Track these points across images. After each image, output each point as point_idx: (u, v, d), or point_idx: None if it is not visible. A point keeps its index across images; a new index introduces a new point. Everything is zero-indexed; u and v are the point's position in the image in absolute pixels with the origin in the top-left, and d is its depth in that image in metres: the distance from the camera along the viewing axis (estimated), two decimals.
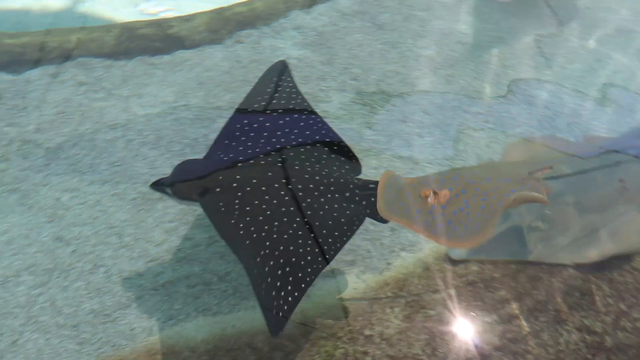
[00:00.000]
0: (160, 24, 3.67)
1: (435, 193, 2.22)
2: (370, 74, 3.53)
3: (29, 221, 2.74)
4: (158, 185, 2.39)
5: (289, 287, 2.11)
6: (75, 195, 2.82)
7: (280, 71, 2.79)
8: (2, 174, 2.87)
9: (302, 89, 3.27)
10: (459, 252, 2.67)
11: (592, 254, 2.59)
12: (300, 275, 2.14)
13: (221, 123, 3.05)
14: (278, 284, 2.11)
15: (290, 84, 2.74)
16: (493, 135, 3.24)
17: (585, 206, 2.73)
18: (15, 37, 3.50)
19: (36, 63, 3.43)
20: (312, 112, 2.66)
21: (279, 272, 2.15)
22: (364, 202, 2.38)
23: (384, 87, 3.46)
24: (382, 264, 2.67)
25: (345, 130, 3.16)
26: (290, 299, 2.09)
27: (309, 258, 2.18)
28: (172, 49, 3.52)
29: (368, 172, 2.97)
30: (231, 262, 2.63)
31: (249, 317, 2.49)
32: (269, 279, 2.11)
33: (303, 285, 2.12)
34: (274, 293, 2.09)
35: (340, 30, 3.79)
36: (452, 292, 2.53)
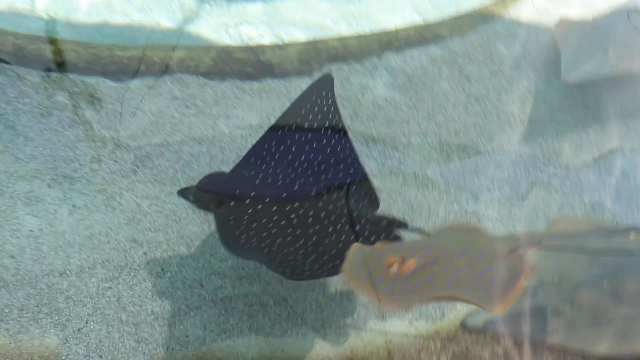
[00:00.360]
0: (254, 50, 3.84)
1: (400, 262, 2.10)
2: (452, 123, 3.56)
3: (110, 221, 2.92)
4: (183, 192, 2.60)
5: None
6: (154, 203, 2.99)
7: (324, 87, 2.82)
8: (93, 174, 3.08)
9: (385, 129, 3.40)
10: (474, 320, 2.60)
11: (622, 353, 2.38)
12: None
13: None
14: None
15: (332, 103, 2.77)
16: (566, 200, 3.20)
17: (624, 297, 2.47)
18: (124, 50, 3.76)
19: (138, 74, 3.66)
20: (345, 138, 2.69)
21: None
22: (372, 238, 2.42)
23: (463, 138, 3.48)
24: (437, 313, 2.67)
25: (418, 175, 3.20)
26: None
27: (298, 263, 2.31)
28: (262, 76, 3.66)
29: (435, 220, 3.01)
30: (289, 289, 2.71)
31: (299, 345, 2.55)
32: None
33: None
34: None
35: (429, 76, 3.84)
36: (500, 350, 2.50)
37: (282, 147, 2.63)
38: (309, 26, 4.22)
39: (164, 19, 4.30)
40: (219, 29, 4.18)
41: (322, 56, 3.86)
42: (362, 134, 3.41)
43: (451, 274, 2.10)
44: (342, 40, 4.01)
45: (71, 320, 2.55)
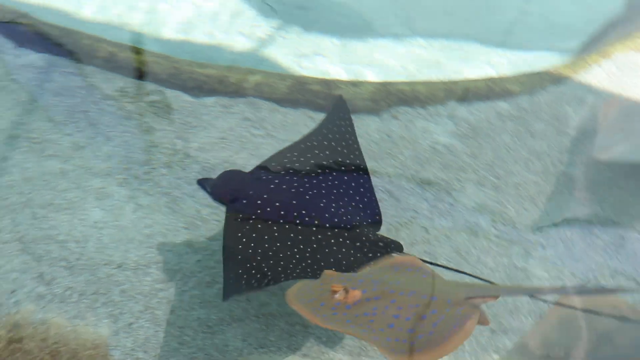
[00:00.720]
0: (328, 84, 3.99)
1: (346, 291, 2.09)
2: (510, 177, 3.59)
3: (170, 223, 3.07)
4: (202, 182, 2.77)
5: (258, 275, 2.40)
6: (214, 212, 3.12)
7: (341, 111, 3.04)
8: (161, 177, 3.26)
9: (441, 173, 3.47)
10: None
11: None
12: (273, 271, 2.40)
13: None
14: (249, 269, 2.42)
15: (349, 126, 2.96)
16: (620, 268, 3.16)
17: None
18: (203, 67, 3.98)
19: (214, 92, 3.86)
20: (359, 160, 2.86)
21: (254, 265, 2.43)
22: (369, 255, 2.52)
23: (521, 193, 3.51)
24: None
25: (469, 222, 3.25)
26: (254, 281, 2.37)
27: (290, 266, 2.43)
28: None
29: (483, 270, 3.03)
30: None
31: None
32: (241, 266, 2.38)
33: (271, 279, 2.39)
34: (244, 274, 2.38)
35: (493, 128, 3.89)
36: None
37: (302, 159, 2.81)
38: (382, 67, 4.37)
39: (244, 43, 4.52)
40: (295, 58, 4.37)
41: (391, 98, 3.97)
42: (418, 176, 3.48)
43: (395, 312, 2.07)
44: (411, 84, 4.13)
45: (124, 314, 2.67)
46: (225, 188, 2.68)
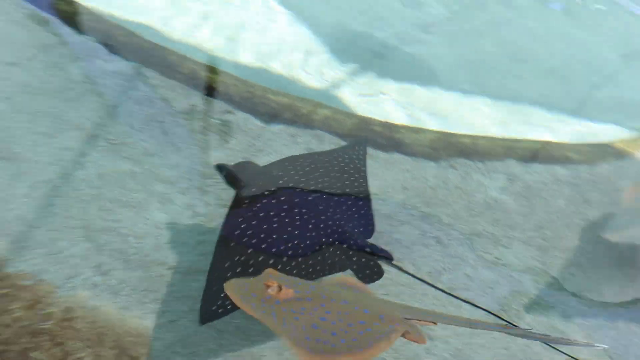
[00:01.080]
0: (390, 127, 4.13)
1: (279, 288, 2.17)
2: (559, 241, 3.61)
3: None
4: (219, 166, 3.06)
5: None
6: None
7: (361, 145, 3.30)
8: (222, 191, 3.40)
9: (488, 228, 3.52)
10: None
11: None
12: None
13: (407, 228, 3.38)
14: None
15: (362, 155, 3.24)
16: None
17: None
18: (276, 95, 4.19)
19: (283, 120, 4.04)
20: (362, 180, 3.09)
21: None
22: (354, 258, 2.69)
23: (570, 258, 3.51)
24: None
25: (512, 277, 3.28)
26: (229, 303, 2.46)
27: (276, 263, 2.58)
28: (392, 150, 3.93)
29: (520, 325, 3.04)
30: None
31: None
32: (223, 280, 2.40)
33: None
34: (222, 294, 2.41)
35: (548, 191, 3.92)
36: None
37: (312, 166, 3.07)
38: (445, 118, 4.49)
39: (317, 79, 4.72)
40: (362, 99, 4.54)
41: (451, 148, 4.08)
42: (468, 226, 3.54)
43: (322, 315, 2.13)
44: (473, 138, 4.22)
45: (168, 311, 2.81)
46: (238, 174, 2.98)
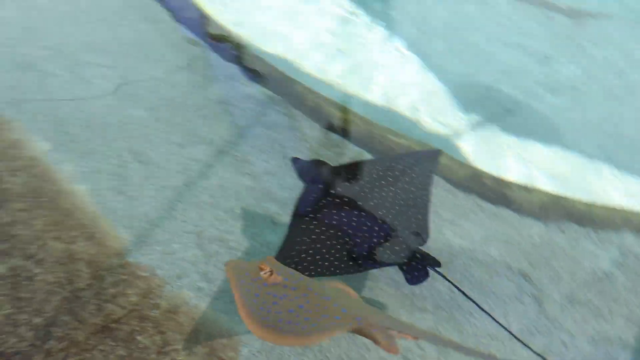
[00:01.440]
0: (501, 182, 4.11)
1: (270, 272, 2.44)
2: None
3: None
4: (294, 160, 3.41)
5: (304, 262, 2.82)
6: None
7: (434, 159, 3.51)
8: None
9: (592, 298, 3.43)
10: None
11: None
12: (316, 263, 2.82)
13: (504, 281, 3.35)
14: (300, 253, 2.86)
15: (432, 168, 3.42)
16: None
17: None
18: (396, 136, 4.33)
19: None
20: (426, 191, 3.27)
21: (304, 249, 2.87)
22: (405, 259, 2.91)
23: None
24: None
25: (610, 353, 3.14)
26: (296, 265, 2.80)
27: (331, 259, 2.86)
28: (500, 204, 3.92)
29: None
30: None
31: None
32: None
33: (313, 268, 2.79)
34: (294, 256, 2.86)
35: None
36: None
37: (380, 172, 3.28)
38: (564, 179, 4.39)
39: (438, 125, 4.81)
40: (480, 149, 4.55)
41: (561, 212, 3.98)
42: (570, 292, 3.43)
43: (301, 303, 2.36)
44: (589, 206, 4.10)
45: None
46: (310, 170, 3.29)
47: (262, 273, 2.47)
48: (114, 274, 3.00)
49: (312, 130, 4.23)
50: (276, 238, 3.40)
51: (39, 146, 3.73)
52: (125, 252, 3.13)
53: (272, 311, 2.33)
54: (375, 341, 2.35)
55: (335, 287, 2.63)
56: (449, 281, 2.96)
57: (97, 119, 4.06)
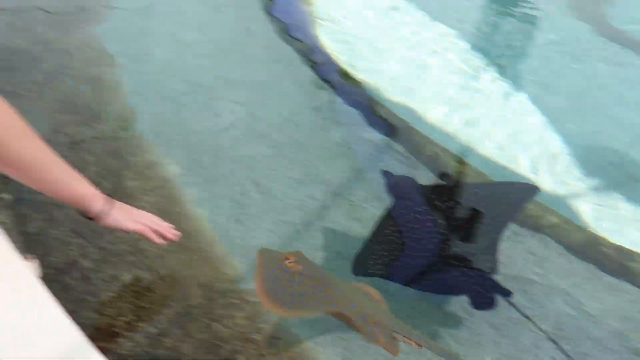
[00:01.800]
0: (625, 252, 3.87)
1: (294, 261, 2.64)
2: None
3: None
4: (385, 173, 3.54)
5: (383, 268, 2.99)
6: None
7: (527, 192, 3.52)
8: None
9: None
10: None
11: None
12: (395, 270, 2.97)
13: (617, 358, 3.17)
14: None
15: (521, 205, 3.46)
16: None
17: None
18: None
19: None
20: (511, 216, 3.42)
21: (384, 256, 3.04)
22: (474, 287, 2.92)
23: None
24: None
25: None
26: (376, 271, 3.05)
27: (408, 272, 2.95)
28: (620, 277, 3.69)
29: None
30: None
31: None
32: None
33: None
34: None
35: None
36: None
37: (467, 198, 3.36)
38: None
39: (556, 185, 4.66)
40: (601, 215, 4.36)
41: None
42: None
43: (315, 290, 2.55)
44: None
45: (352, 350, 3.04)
46: (400, 187, 3.39)
47: (287, 262, 2.66)
48: (225, 297, 3.17)
49: (427, 180, 4.26)
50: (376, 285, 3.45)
51: (171, 169, 4.06)
52: (238, 280, 3.30)
53: (287, 289, 2.55)
54: (376, 341, 2.45)
55: (356, 287, 2.77)
56: (519, 311, 3.08)
57: (224, 150, 4.36)
